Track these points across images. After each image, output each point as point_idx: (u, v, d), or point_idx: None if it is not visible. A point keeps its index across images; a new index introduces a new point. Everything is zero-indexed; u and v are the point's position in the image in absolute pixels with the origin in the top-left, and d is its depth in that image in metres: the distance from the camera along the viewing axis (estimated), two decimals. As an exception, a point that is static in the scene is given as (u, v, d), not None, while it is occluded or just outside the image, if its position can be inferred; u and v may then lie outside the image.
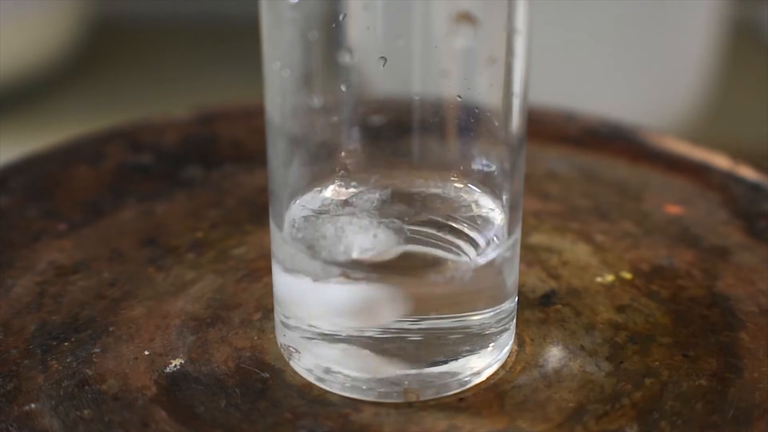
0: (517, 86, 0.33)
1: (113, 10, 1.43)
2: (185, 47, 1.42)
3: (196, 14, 1.44)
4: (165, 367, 0.36)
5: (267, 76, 0.34)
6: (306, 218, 0.35)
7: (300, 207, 0.35)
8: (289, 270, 0.34)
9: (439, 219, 0.35)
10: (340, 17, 0.33)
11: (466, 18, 0.32)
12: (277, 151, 0.34)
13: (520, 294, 0.38)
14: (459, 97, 0.34)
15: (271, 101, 0.34)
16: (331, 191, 0.35)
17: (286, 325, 0.35)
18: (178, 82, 1.33)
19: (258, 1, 0.33)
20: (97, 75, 1.36)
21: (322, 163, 0.35)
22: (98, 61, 1.38)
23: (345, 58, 0.33)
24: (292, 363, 0.35)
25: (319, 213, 0.35)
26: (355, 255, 0.33)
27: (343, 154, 0.35)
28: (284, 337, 0.35)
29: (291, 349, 0.35)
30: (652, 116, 1.06)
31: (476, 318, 0.34)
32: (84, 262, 0.41)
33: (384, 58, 0.33)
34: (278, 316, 0.36)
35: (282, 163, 0.34)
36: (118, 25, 1.44)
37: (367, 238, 0.34)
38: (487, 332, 0.35)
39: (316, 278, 0.33)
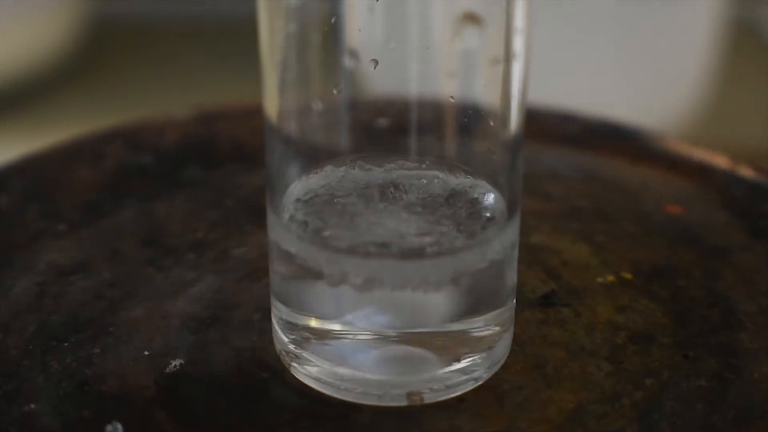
0: (516, 86, 0.33)
1: (113, 10, 1.43)
2: (185, 47, 1.41)
3: (196, 14, 1.44)
4: (165, 368, 0.36)
5: (265, 77, 0.34)
6: (306, 214, 0.35)
7: (299, 200, 0.35)
8: (292, 265, 0.34)
9: (437, 216, 0.35)
10: (332, 19, 0.33)
11: (471, 19, 0.32)
12: (274, 150, 0.34)
13: (520, 294, 0.38)
14: (452, 97, 0.34)
15: (270, 101, 0.34)
16: (329, 186, 0.35)
17: (285, 327, 0.35)
18: (178, 82, 1.33)
19: (257, 2, 0.33)
20: (97, 75, 1.36)
21: (321, 162, 0.35)
22: (98, 61, 1.38)
23: (344, 59, 0.33)
24: (292, 370, 0.35)
25: (318, 206, 0.35)
26: (356, 243, 0.33)
27: (341, 153, 0.35)
28: (283, 342, 0.35)
29: (291, 354, 0.35)
30: (652, 116, 1.06)
31: (476, 319, 0.34)
32: (84, 263, 0.41)
33: (375, 60, 0.33)
34: (276, 318, 0.36)
35: (279, 163, 0.34)
36: (118, 25, 1.44)
37: (367, 229, 0.34)
38: (487, 333, 0.35)
39: (318, 272, 0.33)
